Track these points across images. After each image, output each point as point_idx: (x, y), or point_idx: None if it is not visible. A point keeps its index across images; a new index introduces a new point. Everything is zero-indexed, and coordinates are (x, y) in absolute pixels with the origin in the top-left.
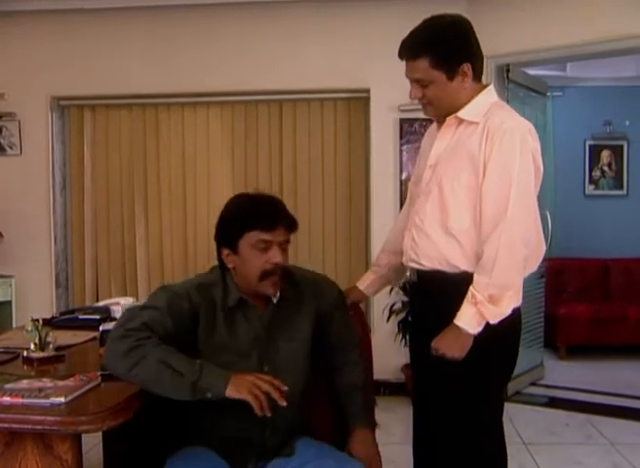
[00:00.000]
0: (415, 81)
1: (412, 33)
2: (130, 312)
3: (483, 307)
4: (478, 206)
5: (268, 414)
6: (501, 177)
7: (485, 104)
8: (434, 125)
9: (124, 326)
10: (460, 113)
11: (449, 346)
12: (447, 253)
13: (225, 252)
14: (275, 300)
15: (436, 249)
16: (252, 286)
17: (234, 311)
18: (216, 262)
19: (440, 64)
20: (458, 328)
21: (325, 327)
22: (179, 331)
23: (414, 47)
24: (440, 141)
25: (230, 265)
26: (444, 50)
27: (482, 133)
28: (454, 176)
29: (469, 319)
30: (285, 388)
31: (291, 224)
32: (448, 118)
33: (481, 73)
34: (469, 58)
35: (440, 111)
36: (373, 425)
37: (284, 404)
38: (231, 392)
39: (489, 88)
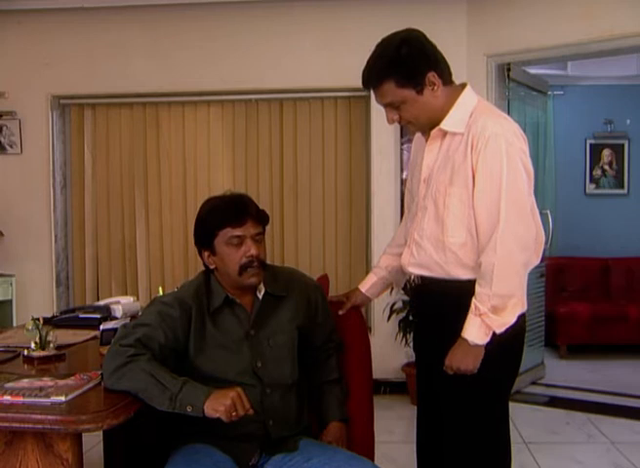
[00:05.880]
0: (387, 105)
1: (369, 61)
2: (124, 329)
3: (488, 319)
4: (473, 217)
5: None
6: (491, 186)
7: (466, 110)
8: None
9: (118, 342)
10: (443, 125)
11: (461, 361)
12: (448, 269)
13: (206, 254)
14: (260, 296)
15: (436, 264)
16: (235, 281)
17: (222, 311)
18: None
19: (405, 82)
20: (466, 341)
21: (309, 320)
22: (174, 341)
23: (375, 73)
24: (429, 155)
25: (212, 266)
26: (404, 67)
27: (467, 143)
28: (445, 192)
29: (476, 331)
30: (250, 412)
31: (259, 217)
32: (432, 131)
33: (450, 76)
34: (432, 66)
35: (422, 127)
36: (347, 419)
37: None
38: (209, 411)
39: (466, 90)
